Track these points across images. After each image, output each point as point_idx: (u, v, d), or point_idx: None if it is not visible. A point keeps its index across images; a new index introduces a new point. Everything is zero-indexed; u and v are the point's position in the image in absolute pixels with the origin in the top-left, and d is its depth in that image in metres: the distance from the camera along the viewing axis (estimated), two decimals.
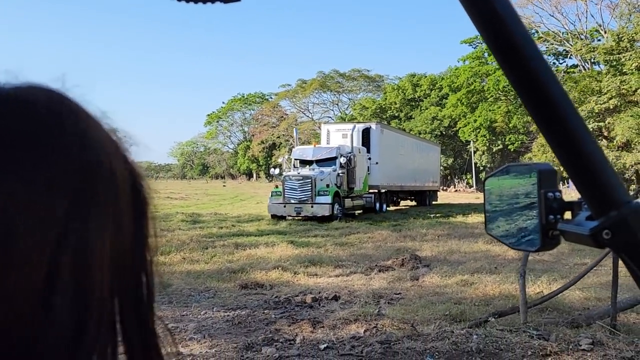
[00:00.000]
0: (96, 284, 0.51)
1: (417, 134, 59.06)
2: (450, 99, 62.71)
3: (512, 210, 0.91)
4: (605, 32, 51.24)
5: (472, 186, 63.96)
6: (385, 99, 73.05)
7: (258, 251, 12.90)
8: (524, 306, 6.33)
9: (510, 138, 60.00)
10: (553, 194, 0.80)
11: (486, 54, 58.01)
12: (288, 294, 8.57)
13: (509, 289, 8.41)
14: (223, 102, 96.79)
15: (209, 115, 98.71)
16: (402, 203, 31.99)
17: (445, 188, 63.62)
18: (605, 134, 47.66)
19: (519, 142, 59.45)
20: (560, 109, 0.67)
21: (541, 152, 47.73)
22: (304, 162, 22.93)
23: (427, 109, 67.78)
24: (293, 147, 26.33)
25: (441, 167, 67.59)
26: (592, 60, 51.74)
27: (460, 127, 62.86)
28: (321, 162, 22.35)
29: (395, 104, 71.45)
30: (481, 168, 66.15)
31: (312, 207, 20.53)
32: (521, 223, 0.87)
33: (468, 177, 68.06)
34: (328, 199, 20.58)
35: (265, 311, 7.61)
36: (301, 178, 21.06)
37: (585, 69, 52.70)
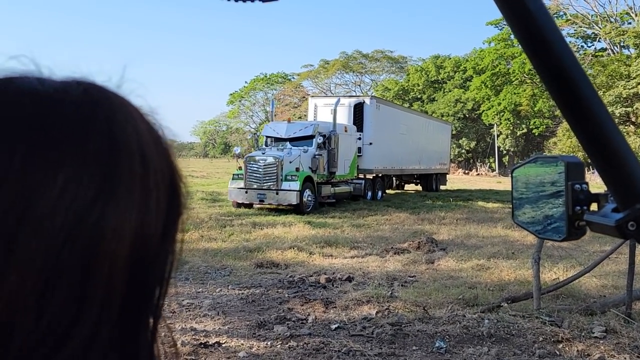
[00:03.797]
0: (101, 285, 0.50)
1: (440, 117, 58.56)
2: (474, 81, 61.90)
3: (538, 198, 0.92)
4: (635, 15, 50.00)
5: (495, 170, 63.37)
6: (408, 80, 72.36)
7: (275, 230, 12.98)
8: (537, 292, 6.30)
9: (535, 122, 59.16)
10: (580, 185, 0.82)
11: (512, 36, 57.02)
12: (302, 274, 8.63)
13: (525, 275, 8.36)
14: (245, 82, 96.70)
15: (231, 94, 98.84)
16: (407, 187, 29.43)
17: (467, 172, 63.17)
18: (633, 119, 46.75)
19: (544, 127, 58.62)
20: (588, 102, 0.69)
21: (566, 137, 47.06)
22: (279, 141, 19.51)
23: (450, 91, 67.01)
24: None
25: (463, 151, 67.16)
26: (622, 44, 50.61)
27: (483, 110, 62.11)
28: (296, 141, 19.00)
29: (418, 85, 70.74)
30: (504, 152, 65.44)
31: (277, 194, 17.34)
32: (547, 211, 0.88)
33: (491, 160, 67.40)
34: (296, 185, 17.19)
35: (279, 290, 7.68)
36: (265, 160, 17.72)
37: (614, 53, 51.59)
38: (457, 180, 44.35)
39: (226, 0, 0.81)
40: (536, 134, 60.57)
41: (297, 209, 17.12)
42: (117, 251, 0.51)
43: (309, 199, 17.79)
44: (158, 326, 0.59)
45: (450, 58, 71.02)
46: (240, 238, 12.00)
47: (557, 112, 50.73)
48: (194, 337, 5.51)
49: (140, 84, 0.60)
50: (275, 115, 25.07)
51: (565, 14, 53.33)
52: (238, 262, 9.52)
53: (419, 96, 70.91)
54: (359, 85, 78.93)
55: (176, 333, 5.61)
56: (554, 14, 53.19)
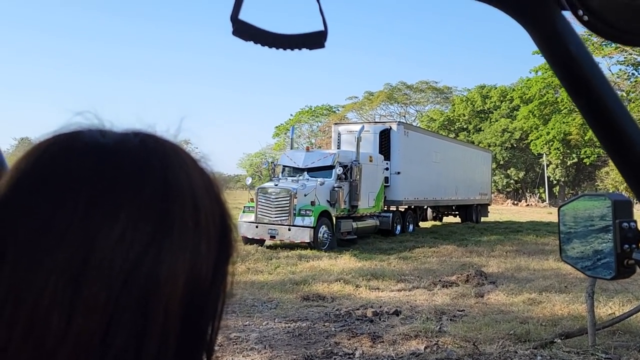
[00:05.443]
0: (158, 323, 0.54)
1: (487, 146, 57.76)
2: (522, 110, 61.05)
3: (587, 233, 0.92)
4: None
5: (545, 201, 61.83)
6: (454, 110, 71.95)
7: (321, 263, 12.98)
8: (592, 328, 6.08)
9: (585, 151, 57.73)
10: (628, 224, 0.82)
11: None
12: (349, 307, 8.58)
13: (579, 310, 8.09)
14: (291, 115, 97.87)
15: (277, 127, 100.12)
16: (445, 219, 28.35)
17: (516, 202, 61.81)
18: None
19: (595, 156, 57.07)
20: (632, 140, 0.70)
21: None
22: (297, 171, 18.04)
23: (497, 121, 66.22)
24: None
25: (512, 181, 65.89)
26: None
27: (532, 140, 61.05)
28: (315, 172, 17.46)
29: (464, 115, 70.21)
30: (554, 182, 63.88)
31: (289, 230, 15.75)
32: (597, 245, 0.88)
33: (540, 191, 65.87)
34: (310, 221, 15.58)
35: (326, 324, 7.65)
36: (278, 192, 16.29)
37: None
38: (505, 211, 43.44)
39: (275, 49, 0.86)
40: (587, 163, 59.01)
41: (311, 247, 15.41)
42: (172, 291, 0.55)
43: (325, 236, 16.10)
44: None
45: (496, 88, 70.37)
46: (287, 270, 12.04)
47: None
48: None
49: (194, 134, 0.66)
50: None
51: None
52: (284, 294, 9.54)
53: (465, 126, 70.31)
54: (404, 116, 78.82)
55: None
56: (602, 42, 52.42)
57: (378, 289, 10.32)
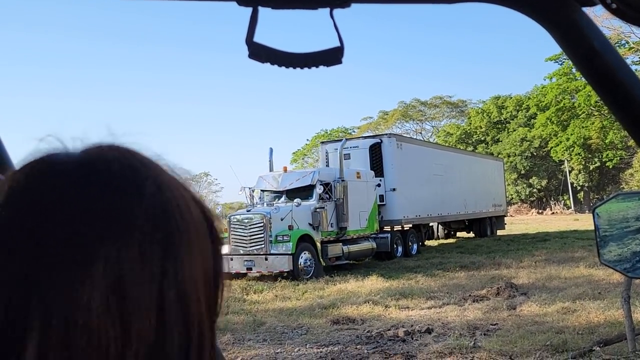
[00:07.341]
0: (195, 318, 0.55)
1: (506, 157, 57.31)
2: (539, 118, 60.60)
3: (624, 235, 0.90)
4: None
5: (570, 207, 60.98)
6: (470, 123, 71.74)
7: (348, 285, 12.89)
8: (630, 333, 5.94)
9: (607, 154, 57.00)
10: None
11: (574, 70, 55.74)
12: (380, 328, 8.49)
13: (615, 315, 7.91)
14: (307, 139, 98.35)
15: (294, 153, 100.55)
16: (459, 235, 27.19)
17: (541, 211, 61.04)
18: None
19: (618, 158, 56.33)
20: None
21: None
22: (276, 195, 16.73)
23: (514, 130, 65.81)
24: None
25: (535, 190, 65.13)
26: None
27: (552, 147, 60.48)
28: (295, 194, 15.85)
29: (481, 127, 69.93)
30: (578, 188, 63.05)
31: (266, 259, 14.39)
32: (635, 247, 0.86)
33: (565, 198, 65.01)
34: (288, 247, 14.26)
35: (358, 346, 7.57)
36: (251, 218, 14.87)
37: None
38: (531, 220, 42.92)
39: (292, 68, 0.87)
40: (610, 166, 58.22)
41: (292, 277, 14.18)
42: (198, 305, 0.55)
43: (308, 262, 14.78)
44: None
45: (511, 97, 70.10)
46: (314, 295, 11.98)
47: (631, 142, 48.63)
48: None
49: (150, 137, 0.61)
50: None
51: (627, 42, 51.89)
52: (314, 319, 9.48)
53: (482, 138, 70.00)
54: (420, 133, 78.84)
55: None
56: (616, 43, 51.93)
57: (408, 307, 10.21)
